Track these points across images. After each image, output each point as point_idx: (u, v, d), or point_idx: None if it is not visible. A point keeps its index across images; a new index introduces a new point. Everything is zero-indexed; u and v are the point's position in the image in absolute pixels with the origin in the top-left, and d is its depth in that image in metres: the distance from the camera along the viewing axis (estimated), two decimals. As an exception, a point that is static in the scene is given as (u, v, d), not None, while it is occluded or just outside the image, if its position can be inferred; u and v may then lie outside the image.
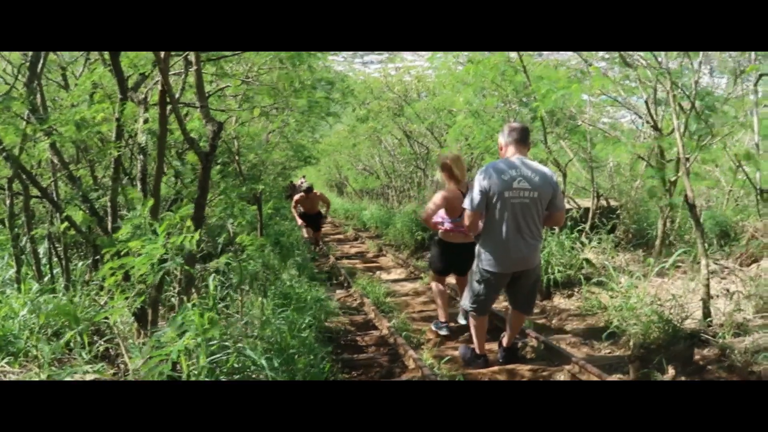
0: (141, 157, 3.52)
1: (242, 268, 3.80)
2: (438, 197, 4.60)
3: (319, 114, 5.34)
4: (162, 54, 2.57)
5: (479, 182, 3.53)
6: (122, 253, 2.17)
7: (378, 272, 8.04)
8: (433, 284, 5.09)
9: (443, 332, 4.86)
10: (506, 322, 4.17)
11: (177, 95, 3.04)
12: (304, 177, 18.32)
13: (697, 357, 4.04)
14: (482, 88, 6.60)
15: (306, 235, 9.78)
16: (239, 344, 2.97)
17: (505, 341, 4.13)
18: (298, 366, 3.00)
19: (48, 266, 4.11)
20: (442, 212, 4.65)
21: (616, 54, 6.93)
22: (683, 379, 3.81)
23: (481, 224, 3.66)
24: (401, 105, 8.83)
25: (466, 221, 3.67)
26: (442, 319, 4.93)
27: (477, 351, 4.09)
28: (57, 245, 4.19)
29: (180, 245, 2.02)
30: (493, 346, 4.37)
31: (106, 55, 3.65)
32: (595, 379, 3.76)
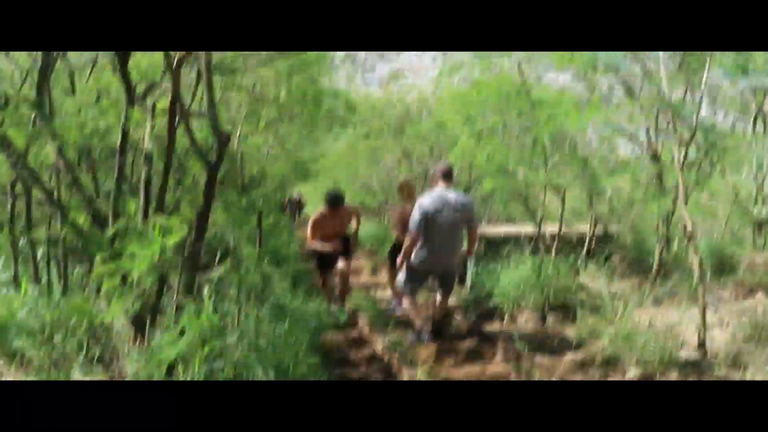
0: (146, 164, 3.53)
1: (240, 279, 3.80)
2: (394, 217, 6.22)
3: (325, 127, 5.42)
4: (174, 60, 2.60)
5: (419, 209, 4.81)
6: (116, 257, 2.17)
7: (373, 289, 8.01)
8: (392, 279, 6.28)
9: (397, 312, 6.00)
10: (434, 304, 5.41)
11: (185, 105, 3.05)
12: (299, 192, 18.21)
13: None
14: (484, 111, 6.68)
15: (322, 285, 6.39)
16: (235, 354, 2.96)
17: (435, 317, 5.34)
18: (293, 378, 2.98)
19: (46, 270, 4.10)
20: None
21: (618, 84, 7.03)
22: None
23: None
24: (403, 124, 8.90)
25: (407, 241, 4.92)
26: (398, 303, 6.01)
27: (420, 331, 5.12)
28: (55, 249, 4.18)
29: (176, 245, 2.03)
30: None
31: (116, 61, 3.68)
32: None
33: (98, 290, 3.46)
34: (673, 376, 4.24)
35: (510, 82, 6.42)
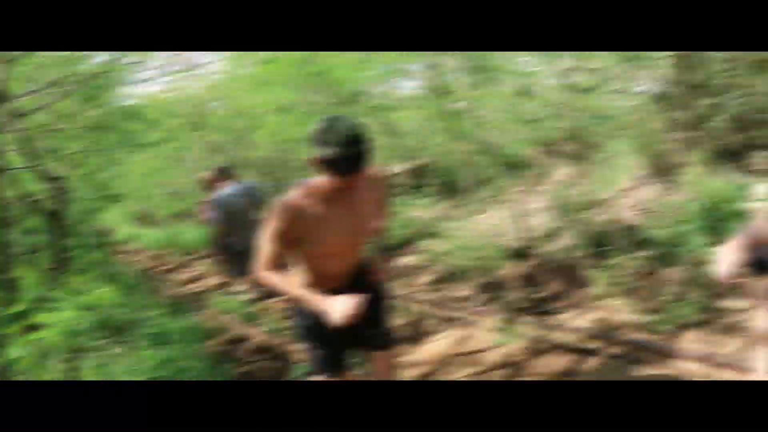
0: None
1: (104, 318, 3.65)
2: (206, 210, 6.15)
3: (128, 146, 5.19)
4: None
5: (213, 207, 5.58)
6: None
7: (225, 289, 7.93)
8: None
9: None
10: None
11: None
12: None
13: (527, 270, 4.86)
14: (284, 83, 6.86)
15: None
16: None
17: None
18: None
19: None
20: None
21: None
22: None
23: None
24: (200, 117, 8.67)
25: (211, 231, 5.75)
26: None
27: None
28: None
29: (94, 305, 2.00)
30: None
31: None
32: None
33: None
34: (508, 266, 5.03)
35: (296, 54, 6.65)
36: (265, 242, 2.16)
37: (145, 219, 17.01)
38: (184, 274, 10.51)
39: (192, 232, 12.25)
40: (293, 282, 2.18)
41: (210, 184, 6.34)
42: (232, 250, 5.89)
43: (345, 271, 2.36)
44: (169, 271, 11.25)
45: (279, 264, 2.17)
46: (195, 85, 9.11)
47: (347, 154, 1.94)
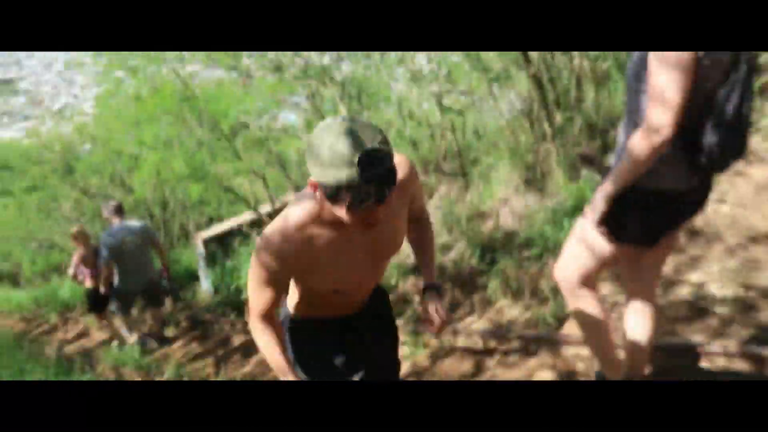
0: None
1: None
2: (77, 265, 6.33)
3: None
4: None
5: (104, 247, 5.53)
6: None
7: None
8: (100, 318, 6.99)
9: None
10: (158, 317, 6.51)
11: None
12: None
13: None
14: (165, 115, 6.71)
15: None
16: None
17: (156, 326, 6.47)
18: None
19: None
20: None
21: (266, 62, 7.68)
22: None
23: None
24: (69, 162, 8.15)
25: (103, 273, 5.69)
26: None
27: (145, 338, 6.38)
28: None
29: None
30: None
31: None
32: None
33: None
34: (408, 280, 5.24)
35: (172, 89, 6.53)
36: (255, 289, 1.66)
37: (11, 279, 15.53)
38: (66, 333, 9.75)
39: (67, 288, 11.40)
40: (278, 350, 1.71)
41: (82, 238, 6.31)
42: (123, 291, 5.80)
43: (360, 299, 1.92)
44: (48, 332, 10.39)
45: (276, 307, 1.71)
46: (62, 128, 8.57)
47: (365, 180, 1.31)
